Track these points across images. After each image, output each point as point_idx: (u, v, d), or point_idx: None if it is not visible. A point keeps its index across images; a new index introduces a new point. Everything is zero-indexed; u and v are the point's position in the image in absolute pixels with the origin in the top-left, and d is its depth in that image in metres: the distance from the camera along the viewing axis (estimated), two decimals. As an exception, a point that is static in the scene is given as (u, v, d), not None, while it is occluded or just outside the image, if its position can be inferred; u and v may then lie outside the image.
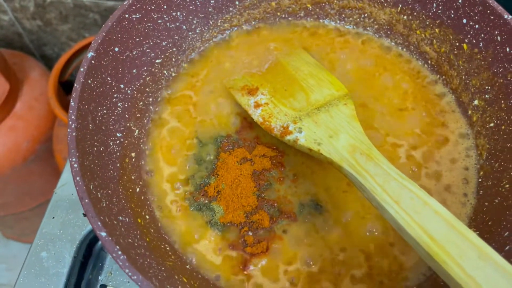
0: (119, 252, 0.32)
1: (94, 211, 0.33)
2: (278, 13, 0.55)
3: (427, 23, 0.49)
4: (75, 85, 0.39)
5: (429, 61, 0.51)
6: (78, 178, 0.34)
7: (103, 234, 0.32)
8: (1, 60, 0.98)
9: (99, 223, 0.33)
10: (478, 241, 0.30)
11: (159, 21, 0.48)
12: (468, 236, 0.31)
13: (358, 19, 0.54)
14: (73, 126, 0.37)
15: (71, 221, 0.50)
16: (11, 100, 1.02)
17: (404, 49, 0.53)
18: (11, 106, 1.03)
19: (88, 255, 0.48)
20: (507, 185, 0.41)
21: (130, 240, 0.36)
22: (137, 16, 0.45)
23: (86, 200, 0.33)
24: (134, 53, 0.46)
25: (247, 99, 0.47)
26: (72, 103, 0.38)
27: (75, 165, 0.35)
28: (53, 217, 0.50)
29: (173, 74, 0.51)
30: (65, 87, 1.06)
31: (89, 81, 0.40)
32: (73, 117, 0.37)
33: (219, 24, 0.53)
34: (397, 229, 0.34)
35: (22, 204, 1.20)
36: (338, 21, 0.55)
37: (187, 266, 0.40)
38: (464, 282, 0.29)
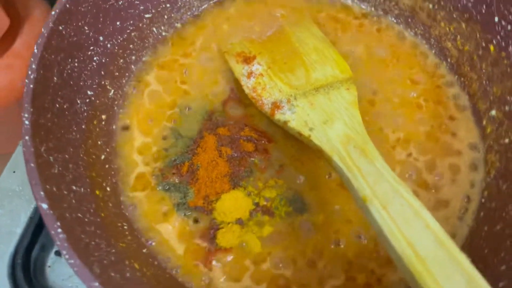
0: (59, 230, 0.28)
1: (39, 178, 0.29)
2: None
3: (454, 15, 0.44)
4: (42, 30, 0.34)
5: (449, 59, 0.46)
6: (27, 137, 0.30)
7: (44, 206, 0.28)
8: (3, -7, 0.92)
9: (41, 193, 0.29)
10: (469, 267, 0.27)
11: (154, -30, 0.42)
12: (458, 259, 0.27)
13: (378, 1, 0.48)
14: (32, 77, 0.32)
15: (33, 178, 0.46)
16: (10, 37, 0.97)
17: (424, 41, 0.47)
18: (10, 43, 0.98)
19: (46, 218, 0.45)
20: (513, 211, 0.36)
21: (80, 214, 0.32)
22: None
23: (32, 165, 0.29)
24: (120, 2, 0.41)
25: (241, 67, 0.42)
26: (36, 50, 0.33)
27: (26, 122, 0.30)
28: (14, 171, 0.46)
29: (163, 33, 0.46)
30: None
31: (60, 28, 0.35)
32: (33, 66, 0.32)
33: (222, -17, 0.48)
34: (380, 237, 0.30)
35: (11, 146, 1.16)
36: (356, 0, 0.49)
37: (144, 250, 0.36)
38: None
